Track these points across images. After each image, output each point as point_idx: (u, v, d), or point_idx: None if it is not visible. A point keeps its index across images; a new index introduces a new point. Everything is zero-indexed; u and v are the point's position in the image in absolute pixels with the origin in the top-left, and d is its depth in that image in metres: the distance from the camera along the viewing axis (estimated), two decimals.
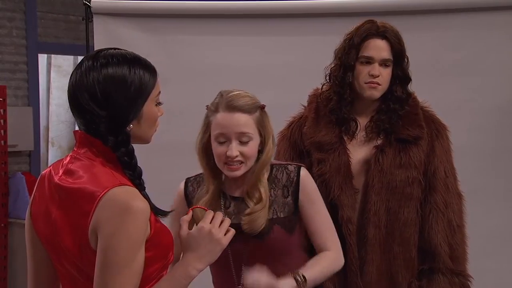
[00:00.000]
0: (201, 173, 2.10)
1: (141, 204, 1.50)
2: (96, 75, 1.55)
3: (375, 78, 2.31)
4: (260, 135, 1.99)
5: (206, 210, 1.73)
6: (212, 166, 2.03)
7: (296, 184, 2.04)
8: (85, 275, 1.55)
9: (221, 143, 1.96)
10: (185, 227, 1.67)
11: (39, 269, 1.68)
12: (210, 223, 1.68)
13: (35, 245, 1.66)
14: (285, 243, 2.01)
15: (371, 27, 2.34)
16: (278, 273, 1.95)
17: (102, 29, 3.38)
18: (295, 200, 2.04)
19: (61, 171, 1.60)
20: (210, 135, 2.00)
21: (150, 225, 1.54)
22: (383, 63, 2.33)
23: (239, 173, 1.97)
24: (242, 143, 1.95)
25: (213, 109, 1.99)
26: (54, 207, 1.58)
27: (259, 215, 1.97)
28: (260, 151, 2.01)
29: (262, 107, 2.00)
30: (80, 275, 1.57)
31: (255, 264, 1.94)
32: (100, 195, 1.49)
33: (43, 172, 1.67)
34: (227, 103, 1.96)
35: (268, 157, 2.01)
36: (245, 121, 1.95)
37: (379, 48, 2.33)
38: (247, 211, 1.98)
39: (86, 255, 1.53)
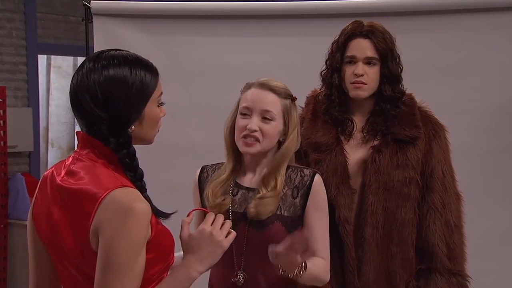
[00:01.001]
0: (219, 162, 2.13)
1: (142, 206, 1.50)
2: (97, 77, 1.55)
3: (359, 77, 2.32)
4: (284, 123, 2.04)
5: (208, 212, 1.73)
6: (235, 147, 2.07)
7: (307, 187, 2.05)
8: (86, 276, 1.55)
9: (244, 117, 2.02)
10: (186, 229, 1.67)
11: (41, 270, 1.68)
12: (211, 225, 1.67)
13: (37, 246, 1.66)
14: (280, 240, 1.98)
15: (355, 28, 2.35)
16: (272, 271, 1.97)
17: (102, 30, 3.38)
18: (303, 203, 2.05)
19: (63, 172, 1.60)
20: (236, 115, 2.06)
21: (151, 227, 1.54)
22: (368, 61, 2.33)
23: (252, 149, 2.01)
24: (264, 120, 2.00)
25: (245, 86, 2.07)
26: (56, 208, 1.58)
27: (269, 202, 1.99)
28: (281, 143, 2.05)
29: (293, 98, 2.07)
30: (81, 276, 1.57)
31: (254, 253, 1.98)
32: (102, 197, 1.49)
33: (45, 173, 1.68)
34: (260, 82, 2.05)
35: (289, 148, 2.05)
36: (272, 100, 2.02)
37: (361, 47, 2.33)
38: (259, 195, 2.00)
39: (87, 256, 1.53)
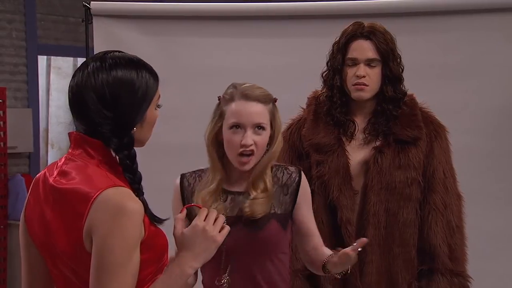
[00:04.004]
0: (198, 170, 2.11)
1: (134, 205, 1.50)
2: (105, 77, 1.55)
3: (361, 79, 2.32)
4: (271, 128, 2.02)
5: (201, 208, 1.72)
6: (220, 157, 2.04)
7: (297, 184, 2.07)
8: (80, 278, 1.55)
9: (235, 131, 1.98)
10: (179, 225, 1.65)
11: (34, 272, 1.67)
12: (204, 220, 1.66)
13: (30, 248, 1.66)
14: (279, 238, 2.03)
15: (356, 29, 2.36)
16: (265, 270, 2.00)
17: (102, 31, 3.38)
18: (294, 199, 2.06)
19: (55, 173, 1.60)
20: (221, 125, 2.02)
21: (144, 227, 1.53)
22: (369, 63, 2.34)
23: (249, 166, 1.99)
24: (256, 132, 1.98)
25: (227, 98, 2.01)
26: (48, 209, 1.57)
27: (262, 202, 2.00)
28: (268, 144, 2.03)
29: (274, 100, 2.03)
30: (76, 278, 1.56)
31: (245, 257, 1.99)
32: (94, 196, 1.49)
33: (37, 175, 1.67)
34: (243, 92, 1.99)
35: (277, 150, 2.04)
36: (260, 111, 1.98)
37: (362, 48, 2.34)
38: (251, 197, 2.00)
39: (80, 257, 1.52)
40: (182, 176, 2.11)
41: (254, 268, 2.00)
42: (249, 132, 1.97)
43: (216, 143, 2.03)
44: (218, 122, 2.02)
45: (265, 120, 1.99)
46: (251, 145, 1.97)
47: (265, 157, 2.02)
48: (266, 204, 2.00)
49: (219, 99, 2.04)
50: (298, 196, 2.07)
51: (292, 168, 2.10)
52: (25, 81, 5.69)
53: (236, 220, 1.99)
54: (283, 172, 2.08)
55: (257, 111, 1.98)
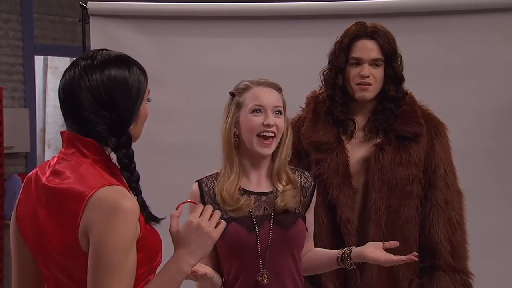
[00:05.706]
0: (212, 174, 2.11)
1: (130, 203, 1.48)
2: (99, 77, 1.54)
3: (365, 79, 2.32)
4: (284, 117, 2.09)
5: (196, 204, 1.70)
6: (238, 153, 2.07)
7: (313, 188, 2.16)
8: (73, 279, 1.53)
9: (257, 114, 2.04)
10: (174, 223, 1.63)
11: (24, 273, 1.66)
12: (200, 216, 1.63)
13: (21, 248, 1.64)
14: (302, 238, 2.09)
15: (359, 29, 2.36)
16: (293, 266, 2.05)
17: (99, 30, 3.38)
18: (308, 203, 2.14)
19: (48, 172, 1.58)
20: (238, 117, 2.05)
21: (140, 226, 1.52)
22: (373, 63, 2.34)
23: (269, 150, 2.04)
24: (276, 115, 2.05)
25: (243, 87, 2.07)
26: (41, 209, 1.56)
27: (293, 194, 2.07)
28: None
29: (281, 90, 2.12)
30: (68, 279, 1.54)
31: (278, 254, 2.03)
32: (89, 195, 1.47)
33: (29, 174, 1.65)
34: (259, 81, 2.08)
35: (291, 140, 2.11)
36: (278, 97, 2.08)
37: (367, 48, 2.34)
38: (281, 190, 2.06)
39: (75, 257, 1.50)
40: (200, 182, 2.10)
41: (284, 264, 2.05)
42: (270, 114, 2.03)
43: (231, 138, 2.06)
44: (235, 113, 2.06)
45: (281, 105, 2.07)
46: (273, 125, 2.02)
47: (283, 149, 2.08)
48: (297, 196, 2.08)
49: (231, 94, 2.08)
50: (312, 200, 2.15)
51: (307, 173, 2.18)
52: (22, 81, 5.69)
53: (264, 218, 2.04)
54: (301, 176, 2.15)
55: (275, 96, 2.06)
